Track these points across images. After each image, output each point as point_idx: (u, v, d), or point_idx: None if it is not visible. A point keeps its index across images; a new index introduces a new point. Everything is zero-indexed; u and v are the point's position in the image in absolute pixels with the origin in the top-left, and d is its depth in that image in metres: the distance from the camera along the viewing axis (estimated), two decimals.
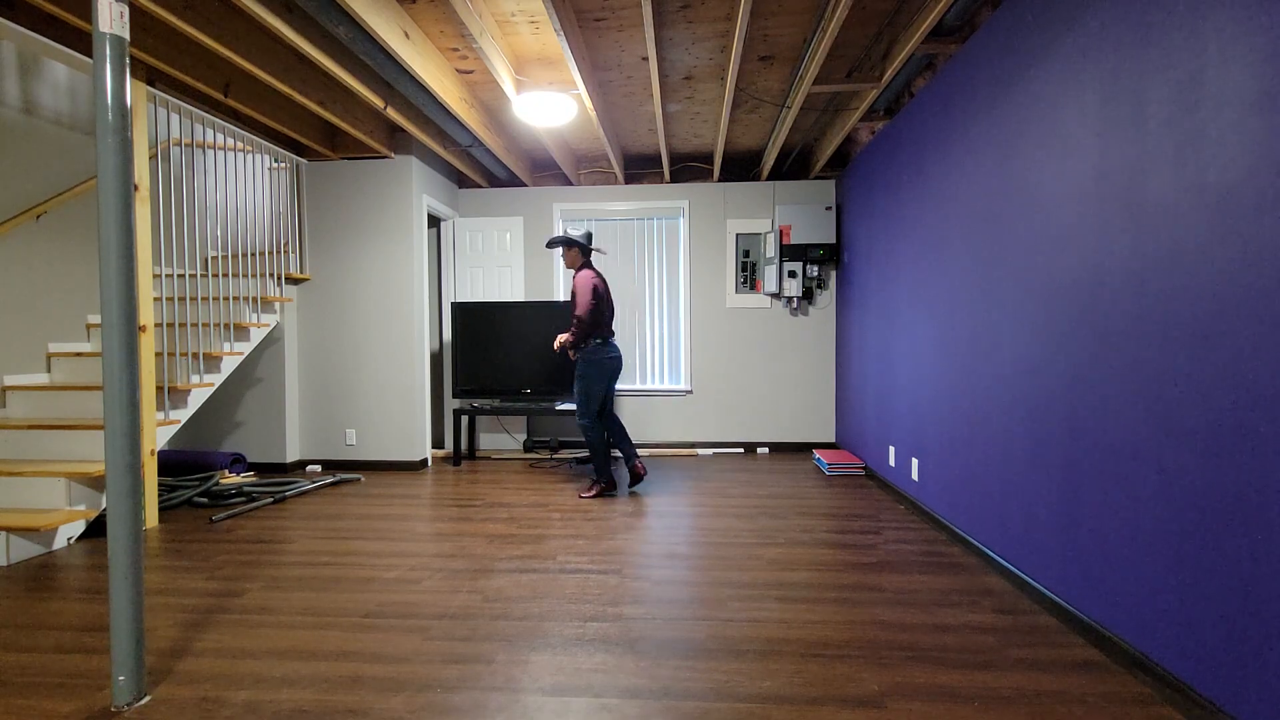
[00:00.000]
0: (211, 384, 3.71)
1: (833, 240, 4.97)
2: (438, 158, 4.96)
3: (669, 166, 5.25)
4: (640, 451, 5.26)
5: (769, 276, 5.05)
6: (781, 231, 5.00)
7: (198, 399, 3.64)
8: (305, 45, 2.77)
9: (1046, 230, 2.21)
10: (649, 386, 5.41)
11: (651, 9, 2.68)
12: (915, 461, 3.43)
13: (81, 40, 2.81)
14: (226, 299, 4.03)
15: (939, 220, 3.11)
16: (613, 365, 3.73)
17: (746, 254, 5.31)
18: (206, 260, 4.46)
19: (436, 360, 5.62)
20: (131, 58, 2.94)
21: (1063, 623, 2.09)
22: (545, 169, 5.42)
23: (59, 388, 3.44)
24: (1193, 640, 1.58)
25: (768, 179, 5.27)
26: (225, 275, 4.21)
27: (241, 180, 4.57)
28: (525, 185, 5.33)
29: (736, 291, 5.31)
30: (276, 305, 4.37)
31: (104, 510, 3.08)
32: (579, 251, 3.79)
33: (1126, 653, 1.80)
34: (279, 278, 4.38)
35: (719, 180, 5.24)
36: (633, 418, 5.39)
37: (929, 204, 3.23)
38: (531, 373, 4.89)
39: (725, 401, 5.33)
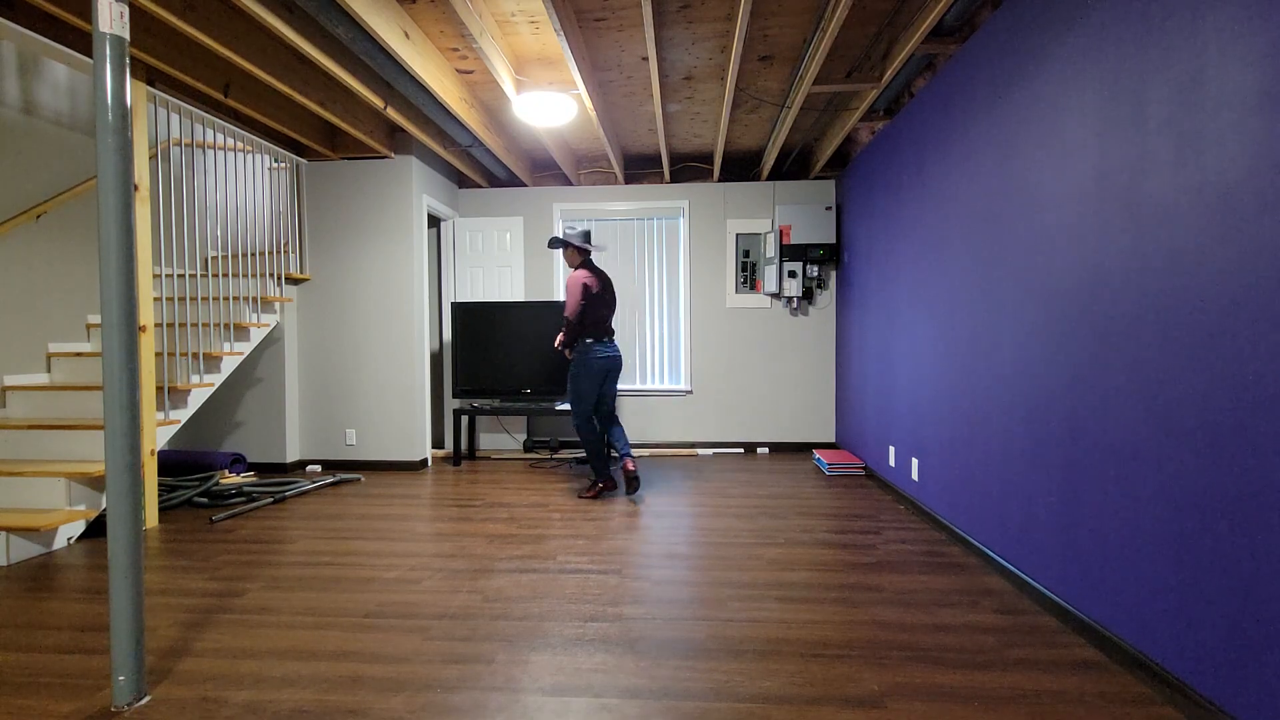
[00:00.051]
0: (211, 384, 3.71)
1: (833, 240, 4.97)
2: (438, 158, 4.96)
3: (669, 166, 5.25)
4: (640, 452, 5.26)
5: (769, 276, 5.05)
6: (781, 231, 5.00)
7: (198, 399, 3.64)
8: (305, 45, 2.77)
9: (1046, 230, 2.21)
10: (649, 386, 5.41)
11: (651, 9, 2.68)
12: (915, 461, 3.43)
13: (81, 40, 2.81)
14: (226, 299, 4.03)
15: (939, 220, 3.12)
16: (603, 365, 3.67)
17: (746, 254, 5.31)
18: (206, 260, 4.46)
19: (436, 360, 5.62)
20: (131, 58, 2.94)
21: (1063, 623, 2.09)
22: (545, 169, 5.42)
23: (59, 388, 3.44)
24: (1193, 640, 1.58)
25: (768, 179, 5.27)
26: (225, 275, 4.21)
27: (241, 180, 4.57)
28: (525, 185, 5.33)
29: (736, 291, 5.31)
30: (276, 305, 4.37)
31: (104, 510, 3.08)
32: (575, 251, 3.78)
33: (1126, 653, 1.80)
34: (279, 278, 4.38)
35: (719, 180, 5.25)
36: (633, 418, 5.39)
37: (929, 204, 3.23)
38: (531, 373, 4.89)
39: (725, 401, 5.33)
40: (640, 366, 5.44)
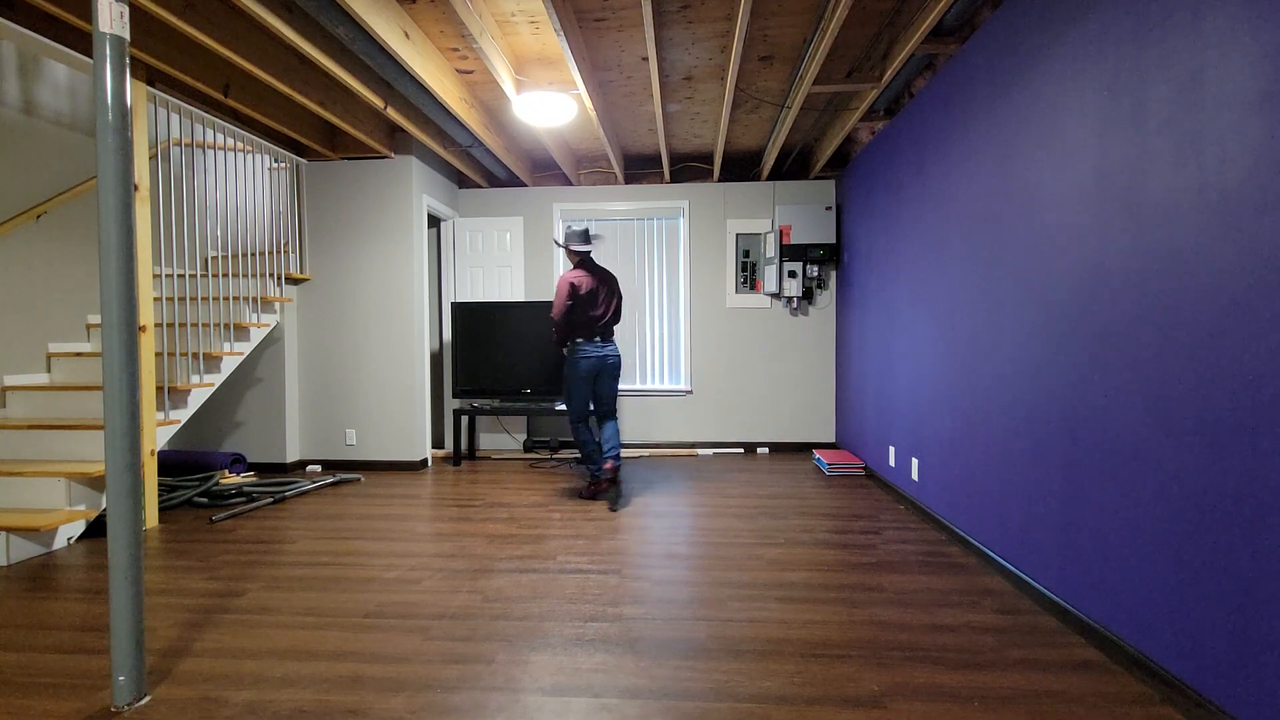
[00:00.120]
0: (211, 384, 3.71)
1: (833, 240, 4.97)
2: (438, 158, 4.96)
3: (669, 166, 5.25)
4: (640, 452, 5.26)
5: (769, 276, 5.05)
6: (781, 231, 5.00)
7: (198, 399, 3.64)
8: (305, 45, 2.77)
9: (1046, 230, 2.21)
10: (649, 386, 5.41)
11: (651, 9, 2.68)
12: (915, 461, 3.43)
13: (81, 40, 2.81)
14: (226, 299, 4.03)
15: (939, 220, 3.12)
16: (590, 366, 3.64)
17: (746, 254, 5.31)
18: (206, 260, 4.46)
19: (436, 360, 5.62)
20: (131, 58, 2.94)
21: (1062, 623, 2.09)
22: (545, 169, 5.42)
23: (59, 388, 3.44)
24: (1193, 640, 1.58)
25: (768, 179, 5.27)
26: (225, 275, 4.21)
27: (241, 180, 4.57)
28: (525, 185, 5.33)
29: (736, 291, 5.31)
30: (276, 305, 4.37)
31: (104, 510, 3.08)
32: (572, 250, 3.77)
33: (1126, 653, 1.80)
34: (279, 278, 4.38)
35: (719, 180, 5.24)
36: (633, 418, 5.39)
37: (929, 204, 3.23)
38: (531, 373, 4.89)
39: (725, 401, 5.33)
40: (640, 366, 5.44)
